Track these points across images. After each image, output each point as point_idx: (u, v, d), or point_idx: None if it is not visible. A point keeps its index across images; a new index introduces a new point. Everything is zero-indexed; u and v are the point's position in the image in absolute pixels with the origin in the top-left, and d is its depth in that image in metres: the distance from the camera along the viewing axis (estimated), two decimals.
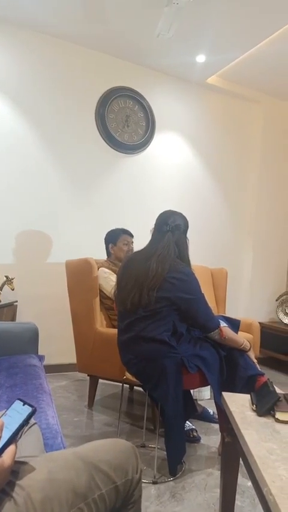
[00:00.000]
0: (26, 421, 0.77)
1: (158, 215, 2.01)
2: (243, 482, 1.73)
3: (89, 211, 3.40)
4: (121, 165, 3.55)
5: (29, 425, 1.03)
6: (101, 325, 2.50)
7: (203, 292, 1.88)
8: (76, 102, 3.35)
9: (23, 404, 0.80)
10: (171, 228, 1.91)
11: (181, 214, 2.02)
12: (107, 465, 0.83)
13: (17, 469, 0.76)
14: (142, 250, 1.96)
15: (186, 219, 2.01)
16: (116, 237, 2.75)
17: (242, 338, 1.92)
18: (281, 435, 1.13)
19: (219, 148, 4.01)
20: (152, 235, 1.97)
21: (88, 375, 2.62)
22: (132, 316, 1.84)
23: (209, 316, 1.86)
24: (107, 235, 2.80)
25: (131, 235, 2.78)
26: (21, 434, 0.97)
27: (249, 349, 1.92)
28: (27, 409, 0.79)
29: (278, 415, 1.22)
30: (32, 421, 1.07)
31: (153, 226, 2.00)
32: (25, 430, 1.00)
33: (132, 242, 2.77)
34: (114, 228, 2.82)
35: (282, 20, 2.85)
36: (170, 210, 2.02)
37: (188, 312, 1.82)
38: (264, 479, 0.90)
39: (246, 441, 1.09)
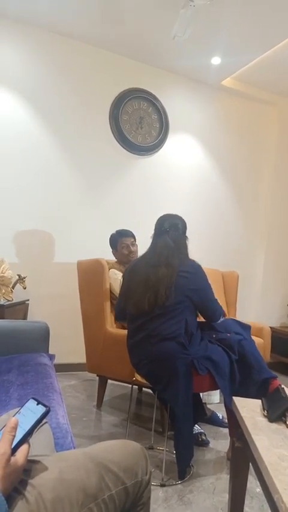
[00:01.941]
0: (39, 421, 0.78)
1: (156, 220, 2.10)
2: (252, 487, 1.71)
3: (101, 212, 3.41)
4: (134, 166, 3.56)
5: (40, 425, 1.04)
6: (111, 325, 2.50)
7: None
8: (90, 103, 3.36)
9: (37, 404, 0.80)
10: (167, 230, 2.00)
11: (177, 216, 2.10)
12: (117, 466, 0.83)
13: (29, 467, 0.76)
14: (145, 255, 2.04)
15: (183, 220, 2.09)
16: (115, 243, 2.75)
17: None
18: None
19: (234, 151, 3.99)
20: (152, 239, 2.05)
21: (97, 375, 2.62)
22: (146, 316, 1.86)
23: (217, 304, 2.00)
24: (109, 240, 2.80)
25: (130, 236, 2.75)
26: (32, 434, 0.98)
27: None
28: (41, 409, 0.79)
29: None
30: (44, 420, 1.07)
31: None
32: (36, 430, 1.01)
33: (133, 243, 2.73)
34: (114, 232, 2.80)
35: None
36: (166, 214, 2.11)
37: (200, 302, 1.93)
38: (276, 486, 0.89)
39: (257, 447, 1.08)
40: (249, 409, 1.35)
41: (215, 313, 1.99)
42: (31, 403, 0.80)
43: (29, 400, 0.81)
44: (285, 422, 1.22)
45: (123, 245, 2.72)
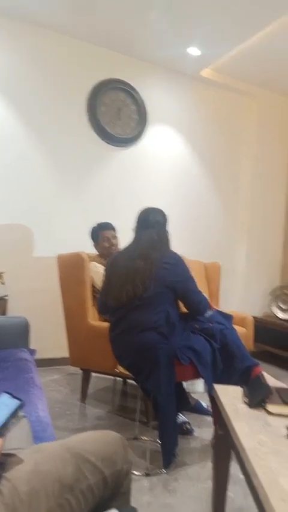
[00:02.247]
0: (13, 414, 0.76)
1: (137, 213, 2.10)
2: (236, 474, 1.72)
3: (81, 205, 3.37)
4: (113, 158, 3.52)
5: (17, 419, 1.02)
6: (93, 318, 2.48)
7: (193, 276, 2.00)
8: (67, 94, 3.30)
9: (11, 398, 0.79)
10: (152, 224, 2.01)
11: (159, 209, 2.11)
12: (95, 456, 0.82)
13: (4, 461, 0.75)
14: (127, 247, 2.04)
15: (164, 214, 2.11)
16: (96, 236, 2.75)
17: None
18: (272, 428, 1.13)
19: (213, 142, 3.99)
20: (135, 232, 2.05)
21: (81, 369, 2.61)
22: (126, 308, 1.87)
23: (201, 295, 1.98)
24: (91, 233, 2.79)
25: (111, 228, 2.74)
26: (9, 428, 0.96)
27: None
28: (15, 402, 0.78)
29: (270, 408, 1.22)
30: (21, 414, 1.05)
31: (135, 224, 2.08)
32: (14, 423, 0.99)
33: (114, 235, 2.73)
34: (95, 225, 2.79)
35: (276, 13, 2.81)
36: (149, 207, 2.11)
37: (185, 292, 1.93)
38: (255, 471, 0.90)
39: (237, 433, 1.09)
40: (230, 396, 1.36)
41: (199, 305, 1.97)
42: (4, 397, 0.78)
43: (2, 394, 0.80)
44: (265, 409, 1.23)
45: (104, 238, 2.70)
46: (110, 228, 2.75)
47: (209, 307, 2.02)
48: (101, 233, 2.72)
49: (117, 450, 0.89)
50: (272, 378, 1.83)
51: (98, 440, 0.89)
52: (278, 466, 0.92)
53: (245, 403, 1.29)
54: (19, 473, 0.73)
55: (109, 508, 0.85)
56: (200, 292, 1.98)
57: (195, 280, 2.01)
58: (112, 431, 0.96)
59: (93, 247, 2.79)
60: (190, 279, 1.95)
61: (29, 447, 0.88)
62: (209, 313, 2.00)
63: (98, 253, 2.78)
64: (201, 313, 1.98)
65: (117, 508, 0.83)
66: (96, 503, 0.83)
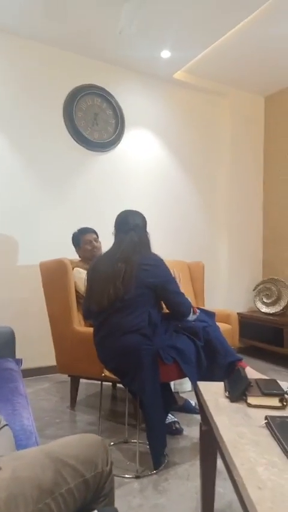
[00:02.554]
0: None
1: (116, 217, 2.10)
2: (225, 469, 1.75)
3: (62, 211, 3.37)
4: (92, 163, 3.53)
5: None
6: (78, 324, 2.48)
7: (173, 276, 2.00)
8: (42, 101, 3.30)
9: None
10: (132, 227, 2.00)
11: (137, 212, 2.11)
12: (75, 459, 0.83)
13: None
14: (108, 252, 2.04)
15: (143, 216, 2.11)
16: (77, 241, 2.77)
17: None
18: (252, 419, 1.15)
19: (190, 143, 4.03)
20: (115, 236, 2.05)
21: (69, 375, 2.60)
22: (107, 311, 1.87)
23: (183, 296, 1.97)
24: (72, 239, 2.81)
25: (92, 232, 2.77)
26: None
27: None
28: None
29: (250, 400, 1.25)
30: (3, 422, 1.06)
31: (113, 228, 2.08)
32: None
33: (96, 238, 2.76)
34: (75, 231, 2.81)
35: (243, 13, 2.87)
36: (126, 210, 2.12)
37: (165, 293, 1.93)
38: (234, 462, 0.92)
39: (218, 427, 1.11)
40: (212, 391, 1.38)
41: (180, 307, 1.96)
42: None
43: None
44: (245, 401, 1.25)
45: (85, 241, 2.73)
46: (90, 231, 2.77)
47: (193, 310, 2.00)
48: (82, 237, 2.75)
49: (97, 452, 0.90)
50: (256, 372, 1.86)
51: (78, 443, 0.89)
52: (256, 456, 0.94)
53: (226, 397, 1.31)
54: None
55: (91, 510, 0.86)
56: (181, 293, 1.98)
57: (177, 283, 2.01)
58: (92, 434, 0.97)
59: (76, 253, 2.80)
60: (171, 280, 1.95)
61: (7, 454, 0.88)
62: (192, 317, 1.98)
63: (80, 258, 2.79)
64: (184, 315, 1.96)
65: (99, 510, 0.84)
66: (79, 506, 0.83)
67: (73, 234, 2.80)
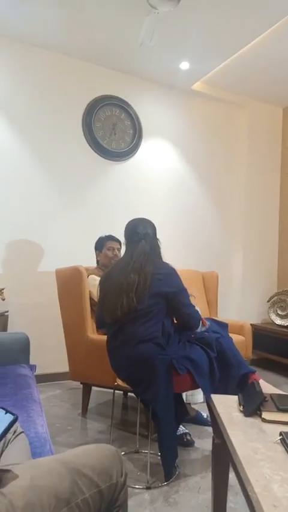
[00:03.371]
0: (7, 429, 0.78)
1: (125, 226, 2.09)
2: (237, 483, 1.73)
3: (79, 219, 3.41)
4: (109, 172, 3.58)
5: (15, 434, 1.04)
6: (92, 332, 2.50)
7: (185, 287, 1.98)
8: (62, 111, 3.37)
9: (5, 413, 0.81)
10: (142, 236, 1.99)
11: (147, 219, 2.09)
12: (91, 470, 0.84)
13: (0, 477, 0.77)
14: (120, 262, 2.05)
15: (152, 224, 2.08)
16: (101, 244, 2.81)
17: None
18: (267, 435, 1.14)
19: (207, 153, 4.05)
20: (126, 246, 2.04)
21: (81, 383, 2.62)
22: (122, 321, 1.87)
23: (192, 307, 1.96)
24: (95, 242, 2.85)
25: (117, 241, 2.80)
26: (7, 443, 0.98)
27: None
28: (9, 417, 0.80)
29: (265, 415, 1.24)
30: (19, 430, 1.07)
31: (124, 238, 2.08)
32: (11, 439, 1.01)
33: (119, 248, 2.79)
34: (102, 235, 2.85)
35: (264, 25, 2.90)
36: (135, 219, 2.10)
37: (175, 303, 1.90)
38: (248, 478, 0.91)
39: (232, 441, 1.10)
40: (226, 405, 1.37)
41: (190, 319, 1.94)
42: None
43: None
44: (260, 416, 1.25)
45: (109, 247, 2.77)
46: (117, 240, 2.82)
47: (202, 323, 1.98)
48: (107, 242, 2.79)
49: (112, 463, 0.91)
50: (270, 386, 1.85)
51: (93, 454, 0.90)
52: (271, 472, 0.93)
53: (240, 411, 1.30)
54: (15, 489, 0.75)
55: None
56: (191, 305, 1.96)
57: (188, 293, 1.98)
58: (107, 444, 0.98)
59: (95, 257, 2.84)
60: (182, 291, 1.94)
61: (24, 462, 0.90)
62: (201, 329, 1.97)
63: (97, 264, 2.81)
64: (192, 327, 1.95)
65: None
66: None
67: (99, 237, 2.85)
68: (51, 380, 3.20)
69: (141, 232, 2.00)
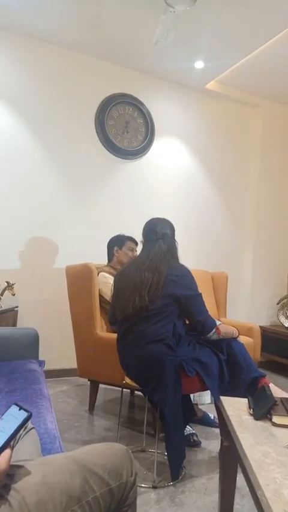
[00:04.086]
0: (21, 426, 0.79)
1: (144, 224, 2.08)
2: (244, 486, 1.72)
3: (89, 217, 3.42)
4: (121, 170, 3.58)
5: (26, 430, 1.05)
6: (101, 330, 2.51)
7: (200, 291, 1.95)
8: (76, 108, 3.38)
9: (19, 409, 0.81)
10: (161, 235, 1.98)
11: (166, 220, 2.09)
12: (101, 468, 0.84)
13: (13, 472, 0.77)
14: (136, 259, 2.05)
15: (171, 224, 2.08)
16: (122, 241, 2.79)
17: (232, 327, 2.01)
18: (277, 439, 1.13)
19: (219, 153, 4.03)
20: (143, 244, 2.04)
21: (89, 380, 2.63)
22: (133, 319, 1.88)
23: (206, 314, 1.93)
24: (112, 238, 2.83)
25: (136, 243, 2.80)
26: (18, 439, 0.99)
27: (238, 334, 2.02)
28: (23, 414, 0.80)
29: (275, 419, 1.23)
30: (30, 425, 1.08)
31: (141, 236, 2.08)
32: (22, 435, 1.02)
33: (136, 249, 2.78)
34: (118, 233, 2.84)
35: (280, 26, 2.87)
36: (155, 218, 2.09)
37: (188, 307, 1.89)
38: (259, 482, 0.91)
39: (242, 445, 1.10)
40: (236, 407, 1.37)
41: (202, 327, 1.91)
42: (13, 409, 0.81)
43: (11, 406, 0.82)
44: (270, 420, 1.24)
45: (129, 247, 2.78)
46: (136, 242, 2.81)
47: (217, 332, 1.92)
48: (128, 242, 2.79)
49: (123, 463, 0.91)
50: (279, 389, 1.83)
51: (104, 452, 0.91)
52: (282, 477, 0.93)
53: (250, 414, 1.30)
54: (28, 485, 0.75)
55: None
56: (204, 312, 1.92)
57: (203, 298, 1.94)
58: (118, 443, 0.98)
59: (108, 254, 2.82)
60: (196, 296, 1.90)
61: (36, 459, 0.90)
62: (213, 336, 1.92)
63: (108, 261, 2.81)
64: (203, 333, 1.93)
65: None
66: None
67: (118, 235, 2.83)
68: (59, 376, 3.22)
69: (160, 231, 1.99)
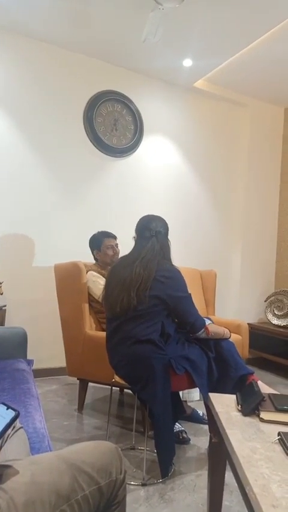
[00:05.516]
0: (9, 425, 0.78)
1: (137, 221, 2.05)
2: (233, 482, 1.74)
3: (78, 215, 3.40)
4: (110, 168, 3.56)
5: (14, 430, 1.04)
6: (90, 328, 2.50)
7: (190, 292, 1.93)
8: (64, 105, 3.35)
9: (7, 409, 0.81)
10: (154, 233, 1.96)
11: (160, 217, 2.06)
12: (90, 466, 0.84)
13: (1, 472, 0.77)
14: (127, 256, 2.01)
15: (165, 222, 2.05)
16: (99, 243, 2.73)
17: (222, 328, 1.99)
18: (265, 434, 1.15)
19: (208, 151, 4.05)
20: (136, 241, 2.01)
21: (78, 379, 2.62)
22: (121, 318, 1.87)
23: (196, 314, 1.91)
24: (90, 241, 2.78)
25: (114, 237, 2.76)
26: (6, 438, 0.98)
27: (229, 335, 2.00)
28: (11, 413, 0.79)
29: (263, 415, 1.24)
30: (18, 425, 1.07)
31: (134, 233, 2.04)
32: (10, 434, 1.01)
33: (117, 244, 2.75)
34: (95, 232, 2.80)
35: (268, 25, 2.89)
36: (149, 215, 2.07)
37: (177, 309, 1.88)
38: (247, 478, 0.92)
39: (230, 441, 1.11)
40: (224, 404, 1.38)
41: (194, 323, 1.88)
42: (1, 408, 0.80)
43: None
44: (258, 416, 1.25)
45: (108, 246, 2.70)
46: (112, 236, 2.76)
47: (206, 332, 1.90)
48: (105, 241, 2.71)
49: (112, 461, 0.91)
50: (266, 386, 1.85)
51: (93, 450, 0.90)
52: (270, 472, 0.94)
53: (239, 410, 1.31)
54: (16, 485, 0.75)
55: None
56: (193, 313, 1.90)
57: (192, 298, 1.92)
58: (107, 441, 0.98)
59: (93, 255, 2.78)
60: (186, 298, 1.88)
61: (25, 458, 0.90)
62: (202, 335, 1.90)
63: (96, 261, 2.77)
64: (191, 333, 1.92)
65: None
66: None
67: (93, 236, 2.78)
68: (48, 375, 3.20)
69: (153, 229, 1.96)
